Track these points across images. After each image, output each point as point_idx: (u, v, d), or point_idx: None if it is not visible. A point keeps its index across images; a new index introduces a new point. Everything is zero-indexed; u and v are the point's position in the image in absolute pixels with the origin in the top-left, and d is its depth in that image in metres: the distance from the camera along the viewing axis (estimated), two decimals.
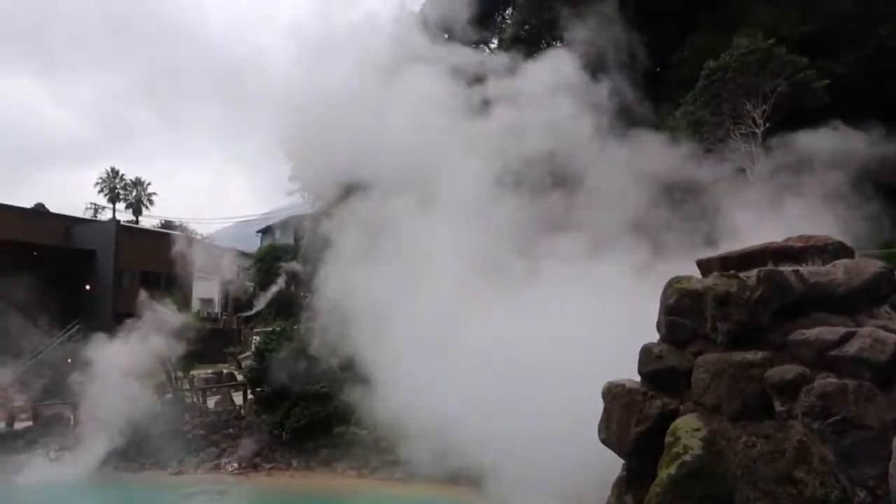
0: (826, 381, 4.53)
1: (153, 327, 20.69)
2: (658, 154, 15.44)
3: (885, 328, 4.72)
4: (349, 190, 18.19)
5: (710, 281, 5.53)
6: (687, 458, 4.88)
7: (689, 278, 5.89)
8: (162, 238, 41.72)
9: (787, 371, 4.73)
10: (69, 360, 28.44)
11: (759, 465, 4.57)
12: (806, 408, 4.53)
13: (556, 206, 14.38)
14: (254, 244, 52.66)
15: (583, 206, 14.25)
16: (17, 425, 20.72)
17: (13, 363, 27.56)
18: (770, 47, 18.42)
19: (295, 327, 21.72)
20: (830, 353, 4.66)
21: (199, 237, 54.83)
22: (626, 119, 17.42)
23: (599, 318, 10.54)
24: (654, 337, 6.44)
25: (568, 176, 15.41)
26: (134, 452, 18.98)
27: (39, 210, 45.85)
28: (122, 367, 19.05)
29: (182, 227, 59.57)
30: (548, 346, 11.32)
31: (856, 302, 5.09)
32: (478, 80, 18.06)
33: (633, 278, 11.13)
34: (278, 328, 21.75)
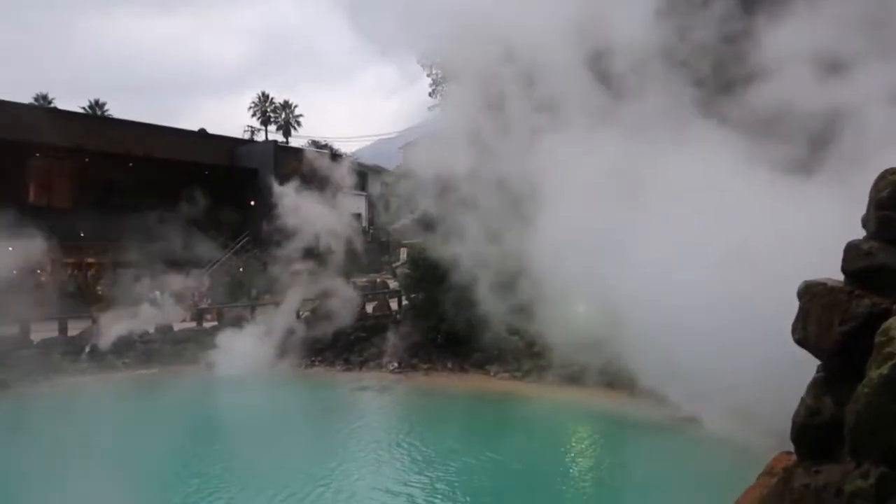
0: None
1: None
2: None
3: None
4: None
5: None
6: None
7: None
8: (314, 157, 43.97)
9: None
10: (241, 269, 31.36)
11: None
12: None
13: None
14: (395, 161, 54.13)
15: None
16: (205, 325, 23.35)
17: (196, 271, 30.86)
18: None
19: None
20: None
21: (344, 155, 57.30)
22: None
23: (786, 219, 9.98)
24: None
25: None
26: (305, 351, 20.87)
27: (205, 133, 49.63)
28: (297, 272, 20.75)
29: (328, 147, 62.39)
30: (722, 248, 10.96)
31: None
32: None
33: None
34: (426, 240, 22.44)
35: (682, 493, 9.40)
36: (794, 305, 6.54)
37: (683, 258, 12.17)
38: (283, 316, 21.02)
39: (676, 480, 10.12)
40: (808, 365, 6.83)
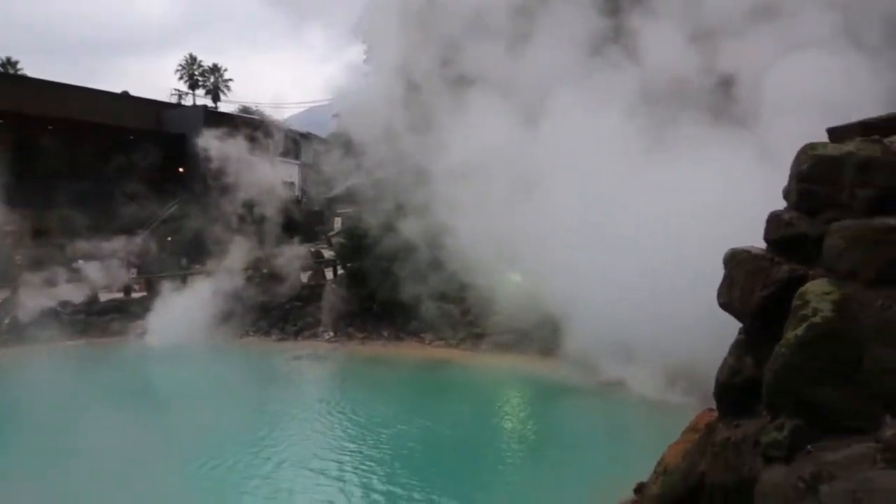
0: None
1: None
2: None
3: None
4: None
5: (850, 146, 5.32)
6: (816, 320, 4.92)
7: (825, 145, 5.69)
8: (244, 123, 42.72)
9: None
10: (169, 239, 30.37)
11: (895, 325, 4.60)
12: None
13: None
14: (328, 128, 53.01)
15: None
16: (134, 295, 22.61)
17: (123, 239, 29.67)
18: None
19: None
20: None
21: (276, 122, 55.76)
22: None
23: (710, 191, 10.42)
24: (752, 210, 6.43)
25: None
26: (239, 321, 20.52)
27: (129, 96, 47.29)
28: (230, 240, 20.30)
29: (259, 113, 60.51)
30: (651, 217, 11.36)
31: None
32: None
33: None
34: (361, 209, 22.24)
35: (611, 451, 9.87)
36: (717, 273, 6.93)
37: (611, 228, 12.59)
38: (216, 285, 20.55)
39: (606, 439, 10.61)
40: (729, 329, 7.26)
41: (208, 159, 22.73)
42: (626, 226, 12.45)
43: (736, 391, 5.71)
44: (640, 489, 7.63)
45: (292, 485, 9.28)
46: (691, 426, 6.54)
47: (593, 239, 12.93)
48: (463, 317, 18.65)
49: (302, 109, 70.47)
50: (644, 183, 12.48)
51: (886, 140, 5.29)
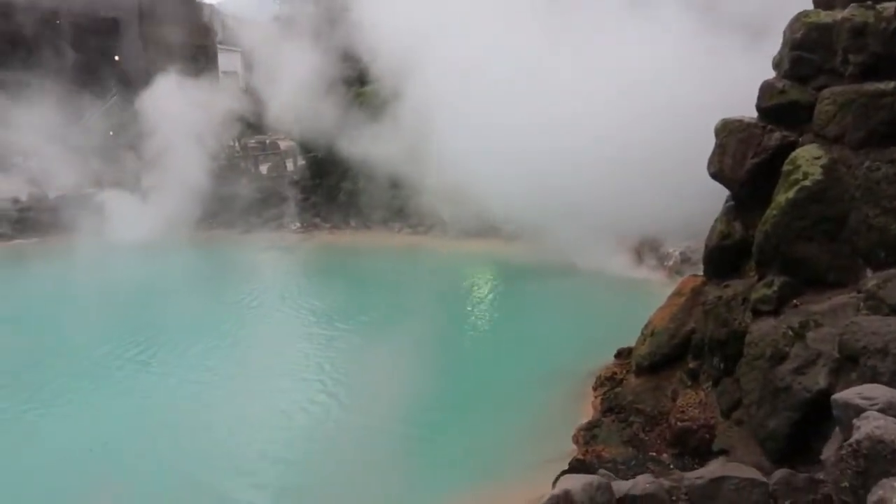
0: None
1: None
2: None
3: None
4: None
5: (845, 13, 5.42)
6: (807, 183, 5.20)
7: (818, 12, 5.77)
8: (183, 8, 39.90)
9: None
10: (111, 133, 28.94)
11: (882, 185, 4.89)
12: None
13: None
14: (267, 10, 49.90)
15: None
16: (88, 191, 21.74)
17: (61, 132, 28.10)
18: None
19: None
20: None
21: (212, 4, 52.14)
22: None
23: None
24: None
25: None
26: (200, 215, 20.11)
27: None
28: (181, 132, 19.53)
29: None
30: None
31: None
32: None
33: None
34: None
35: (586, 324, 10.36)
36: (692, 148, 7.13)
37: (560, 109, 12.62)
38: (173, 180, 19.91)
39: (580, 314, 11.10)
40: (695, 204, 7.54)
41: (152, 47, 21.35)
42: (575, 105, 12.51)
43: (725, 253, 6.07)
44: (620, 354, 8.18)
45: (259, 380, 9.36)
46: (676, 291, 6.96)
47: (550, 125, 12.97)
48: (431, 206, 18.67)
49: None
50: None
51: (879, 6, 5.39)
